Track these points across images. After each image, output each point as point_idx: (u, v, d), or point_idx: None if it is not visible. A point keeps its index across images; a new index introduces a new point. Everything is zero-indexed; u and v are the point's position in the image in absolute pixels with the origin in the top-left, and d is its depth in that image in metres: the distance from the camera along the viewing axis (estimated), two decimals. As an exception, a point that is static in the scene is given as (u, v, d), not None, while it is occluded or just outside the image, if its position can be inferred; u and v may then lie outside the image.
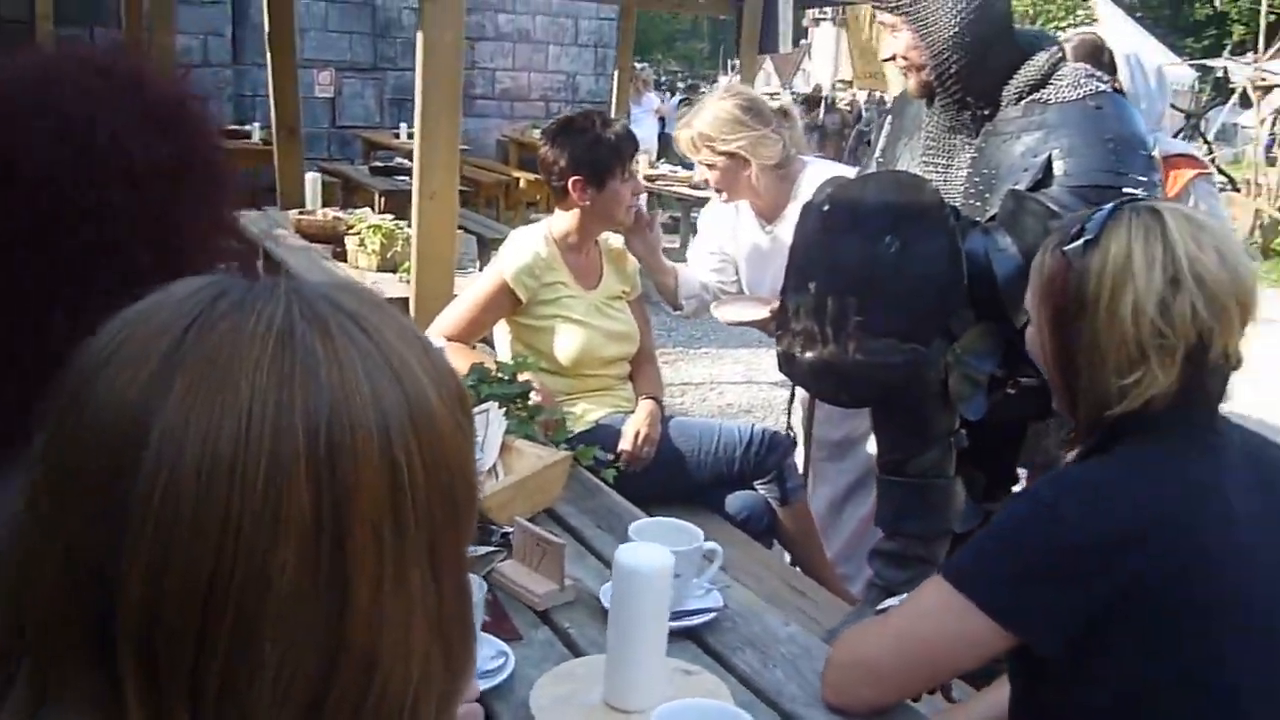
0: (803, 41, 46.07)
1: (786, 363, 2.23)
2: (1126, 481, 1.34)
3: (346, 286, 0.62)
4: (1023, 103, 2.18)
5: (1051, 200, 2.04)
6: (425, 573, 0.57)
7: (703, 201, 9.02)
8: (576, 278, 2.96)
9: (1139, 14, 24.84)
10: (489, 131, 14.09)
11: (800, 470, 3.14)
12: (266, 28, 5.54)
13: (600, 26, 14.47)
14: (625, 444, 2.85)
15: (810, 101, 25.62)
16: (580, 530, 1.92)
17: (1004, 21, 2.22)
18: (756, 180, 2.97)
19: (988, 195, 2.18)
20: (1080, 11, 23.54)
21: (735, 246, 3.21)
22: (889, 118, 2.61)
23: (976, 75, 2.20)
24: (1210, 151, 16.87)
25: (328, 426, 0.54)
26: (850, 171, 2.85)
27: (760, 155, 2.92)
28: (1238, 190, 14.52)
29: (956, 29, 2.14)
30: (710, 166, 2.99)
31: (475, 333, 2.94)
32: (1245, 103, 17.36)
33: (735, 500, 2.97)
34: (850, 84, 25.57)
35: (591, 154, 2.85)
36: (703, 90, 19.82)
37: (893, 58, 2.29)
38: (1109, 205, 1.39)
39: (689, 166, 13.12)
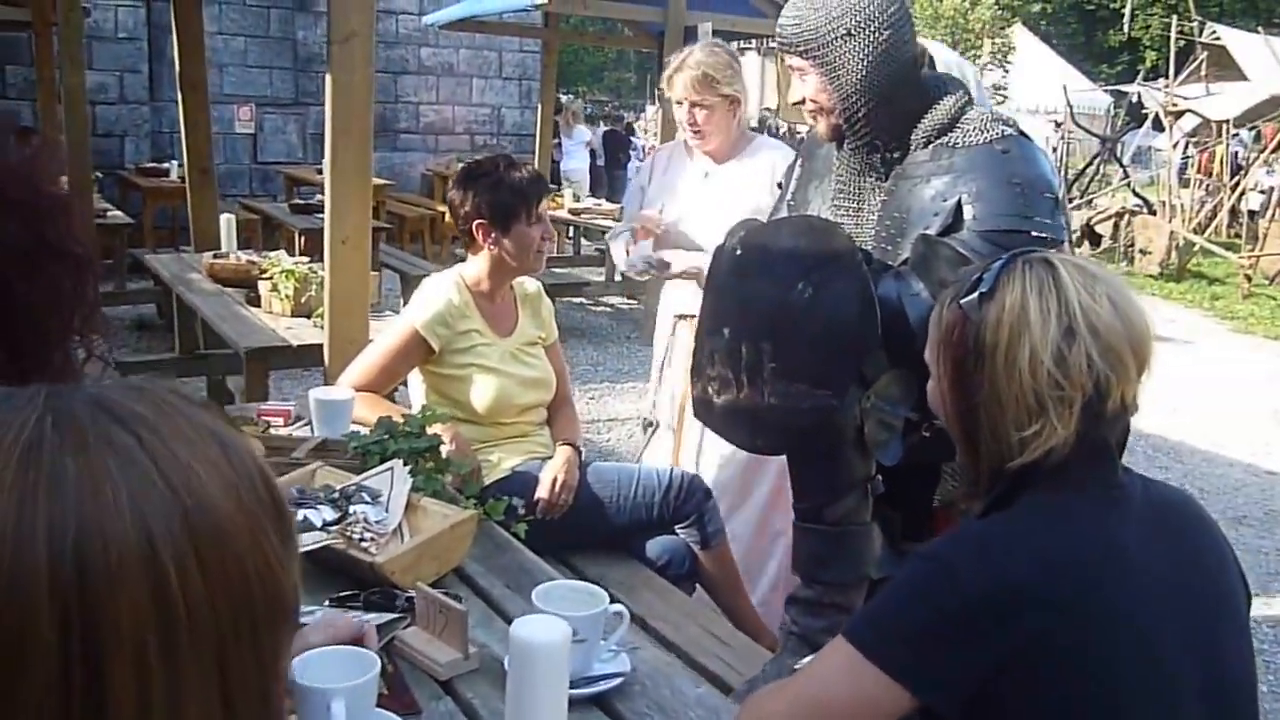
0: (729, 71, 46.55)
1: (702, 408, 2.20)
2: (1025, 535, 1.32)
3: (129, 387, 0.58)
4: (931, 146, 2.18)
5: (962, 245, 2.03)
6: (211, 697, 0.53)
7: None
8: (491, 325, 2.91)
9: (1054, 41, 25.40)
10: (413, 166, 14.01)
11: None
12: (178, 67, 5.43)
13: (524, 59, 14.47)
14: (543, 491, 2.80)
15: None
16: (488, 591, 1.86)
17: (912, 65, 2.22)
18: (733, 127, 3.29)
19: (899, 239, 2.17)
20: (998, 39, 24.03)
21: (665, 182, 3.48)
22: (799, 160, 2.60)
23: (885, 118, 2.19)
24: (1125, 175, 17.30)
25: (75, 544, 0.49)
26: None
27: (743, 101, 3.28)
28: (1153, 213, 14.86)
29: (864, 73, 2.13)
30: (703, 106, 3.22)
31: (387, 382, 2.87)
32: (1158, 127, 17.81)
33: (655, 545, 2.92)
34: (776, 112, 25.88)
35: (494, 197, 2.81)
36: (628, 119, 19.85)
37: (801, 101, 2.28)
38: (1003, 257, 1.38)
39: (614, 202, 13.17)
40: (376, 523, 1.84)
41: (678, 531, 2.94)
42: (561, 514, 2.81)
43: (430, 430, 2.51)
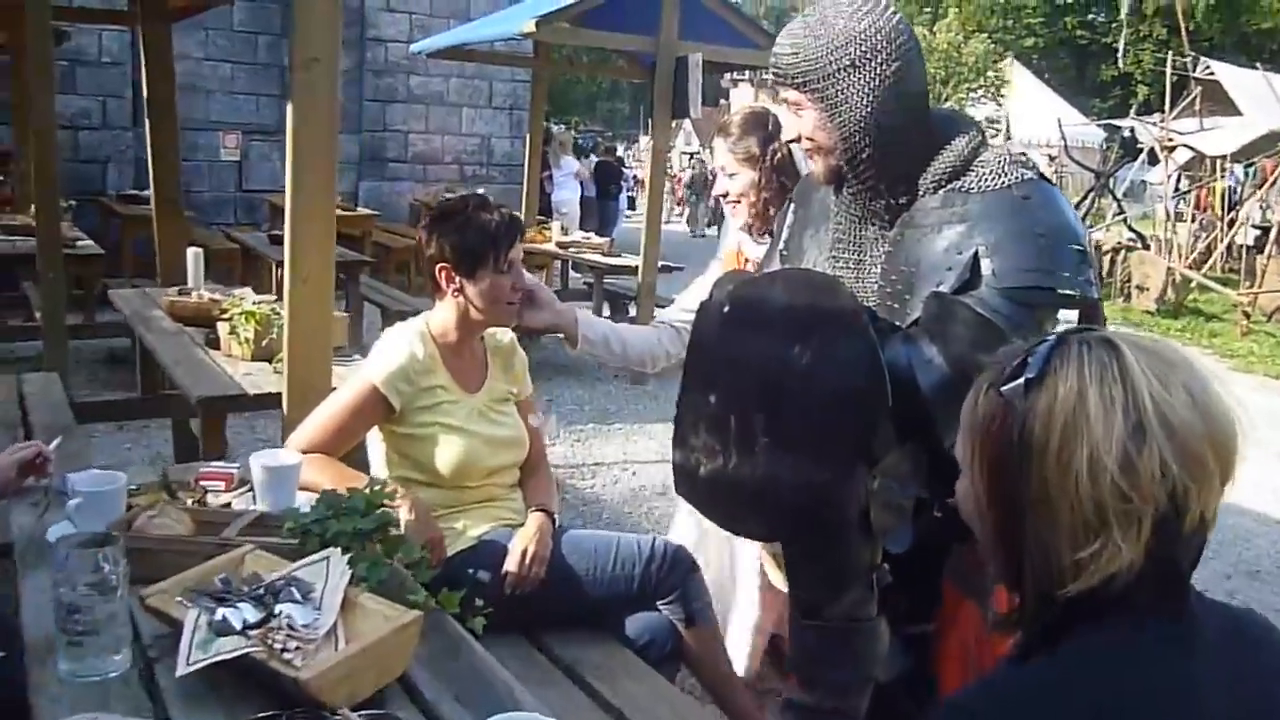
0: (722, 102, 46.55)
1: (684, 480, 1.93)
2: (1075, 684, 1.06)
3: None
4: (942, 191, 1.93)
5: (980, 304, 1.79)
6: None
7: (616, 270, 8.83)
8: (457, 380, 2.67)
9: (1047, 75, 25.35)
10: (401, 195, 13.79)
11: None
12: (146, 92, 5.18)
13: (515, 89, 14.29)
14: (511, 564, 2.55)
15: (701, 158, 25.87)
16: (435, 705, 1.60)
17: (920, 101, 1.97)
18: None
19: (907, 296, 1.92)
20: (990, 73, 23.95)
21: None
22: (792, 205, 2.33)
23: (891, 160, 1.94)
24: (1120, 210, 17.14)
25: None
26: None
27: None
28: (1148, 248, 14.68)
29: (869, 109, 1.88)
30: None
31: (343, 443, 2.61)
32: (1153, 160, 17.68)
33: (636, 623, 2.66)
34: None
35: (461, 239, 2.58)
36: (620, 151, 19.66)
37: (796, 139, 2.03)
38: (1053, 335, 1.13)
39: (603, 234, 12.93)
40: (304, 626, 1.58)
41: (660, 607, 2.68)
42: (532, 588, 2.56)
43: (390, 503, 2.25)
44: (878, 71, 1.87)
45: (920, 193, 1.95)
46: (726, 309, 1.88)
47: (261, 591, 1.67)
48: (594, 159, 18.08)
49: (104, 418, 5.31)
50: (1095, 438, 1.04)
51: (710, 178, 22.18)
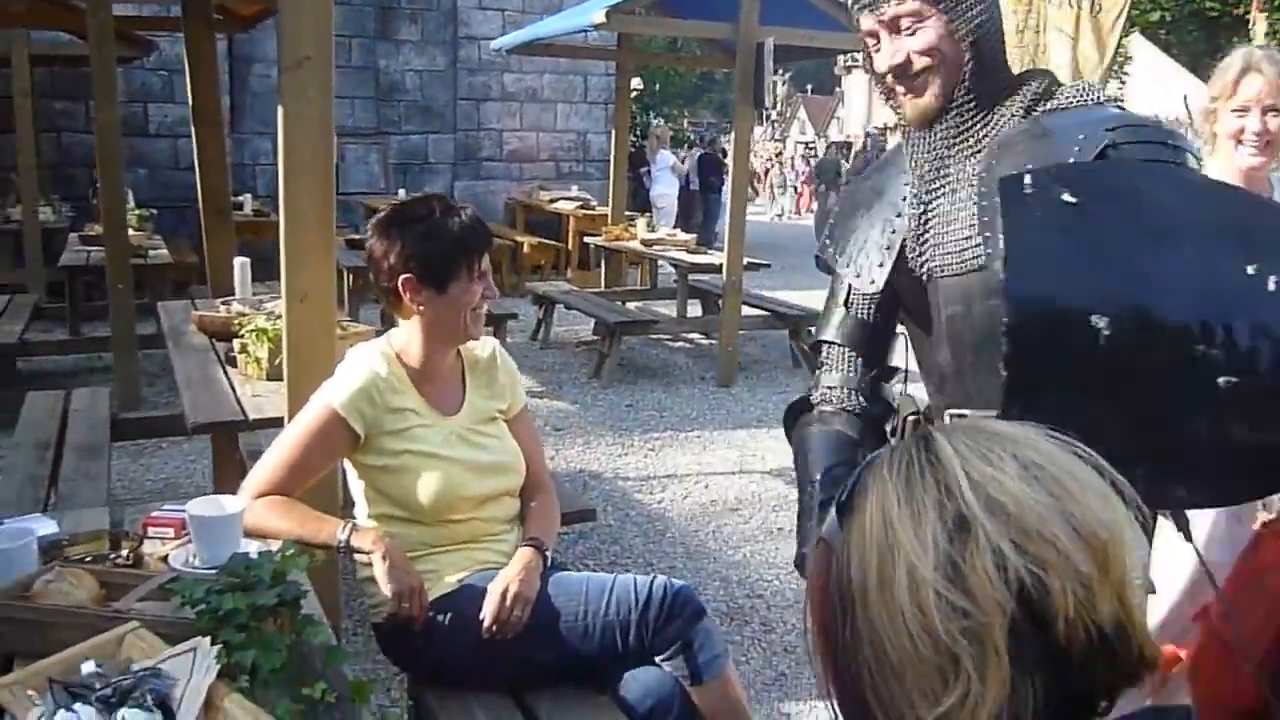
0: (837, 90, 45.81)
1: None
2: None
3: None
4: (1030, 116, 1.76)
5: None
6: None
7: (700, 268, 8.49)
8: (430, 403, 2.39)
9: (1174, 50, 24.11)
10: (496, 195, 13.65)
11: None
12: (190, 101, 5.05)
13: (609, 83, 14.01)
14: (490, 605, 2.25)
15: (845, 147, 25.19)
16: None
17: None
18: None
19: None
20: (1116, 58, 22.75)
21: None
22: (834, 208, 2.17)
23: (990, 80, 1.77)
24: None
25: None
26: None
27: None
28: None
29: (986, 16, 1.73)
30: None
31: (304, 479, 2.34)
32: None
33: (637, 684, 2.31)
34: (885, 130, 25.03)
35: (428, 247, 2.30)
36: (724, 144, 19.25)
37: (904, 63, 1.74)
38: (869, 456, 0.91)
39: (707, 229, 12.56)
40: (142, 744, 1.31)
41: (659, 663, 2.35)
42: (515, 633, 2.27)
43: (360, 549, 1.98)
44: None
45: (1009, 118, 1.78)
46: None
47: (110, 691, 1.40)
48: (696, 152, 17.76)
49: (146, 434, 5.20)
50: (910, 551, 0.79)
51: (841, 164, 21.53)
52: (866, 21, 1.74)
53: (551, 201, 12.37)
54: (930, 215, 1.83)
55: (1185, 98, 16.32)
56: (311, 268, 2.97)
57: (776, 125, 46.77)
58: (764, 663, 3.71)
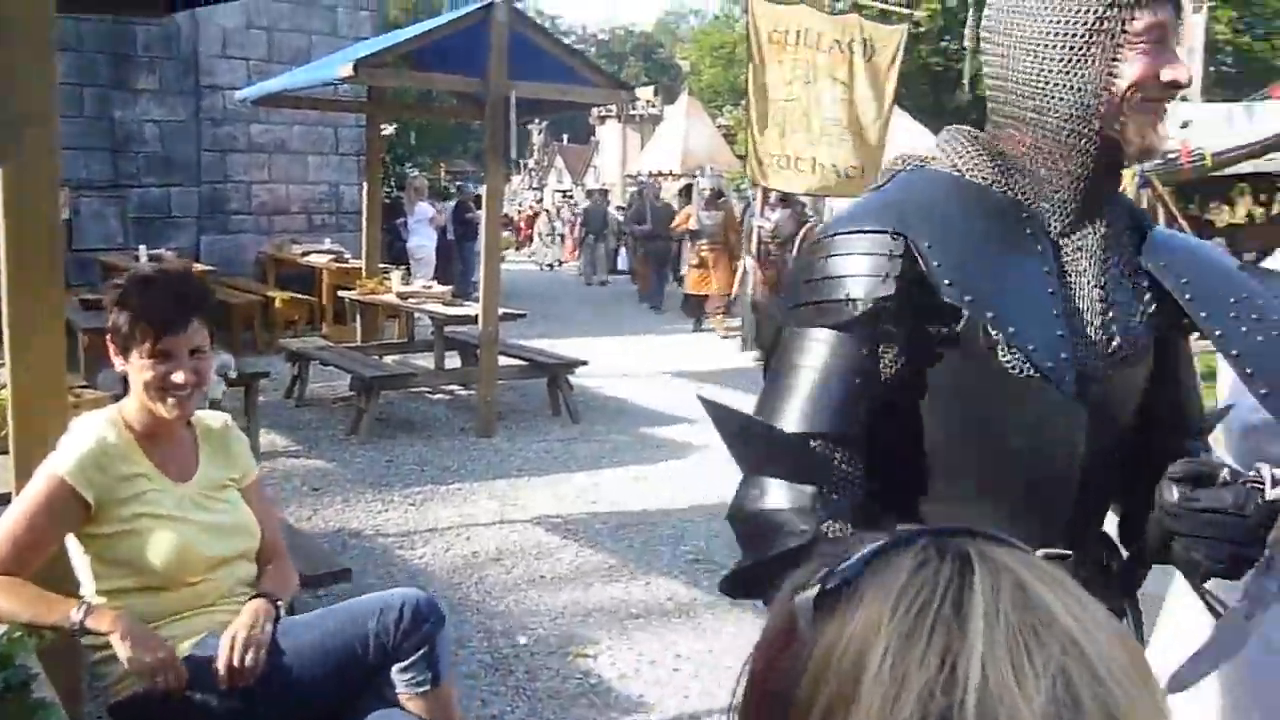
0: (592, 139, 46.66)
1: None
2: None
3: None
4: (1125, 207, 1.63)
5: None
6: None
7: (457, 319, 8.48)
8: (163, 469, 2.35)
9: (907, 103, 25.83)
10: (246, 249, 13.23)
11: None
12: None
13: (362, 135, 13.86)
14: (220, 657, 2.23)
15: (595, 195, 25.56)
16: None
17: None
18: None
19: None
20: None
21: None
22: (907, 235, 1.46)
23: None
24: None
25: None
26: None
27: None
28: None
29: None
30: None
31: (32, 557, 2.24)
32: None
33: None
34: (657, 176, 25.54)
35: (117, 316, 2.32)
36: (477, 191, 19.34)
37: (1173, 85, 1.42)
38: (894, 535, 0.65)
39: (466, 279, 12.52)
40: None
41: (396, 680, 2.37)
42: (253, 680, 2.24)
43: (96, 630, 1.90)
44: None
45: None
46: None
47: None
48: (452, 202, 17.69)
49: None
50: (868, 707, 0.56)
51: (612, 215, 21.60)
52: (1161, 12, 1.39)
53: (304, 255, 12.09)
54: (1105, 294, 1.49)
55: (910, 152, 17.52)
56: (39, 333, 2.85)
57: (534, 174, 47.21)
58: (529, 710, 3.74)
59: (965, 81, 18.57)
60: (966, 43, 19.25)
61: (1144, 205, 16.06)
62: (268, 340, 10.44)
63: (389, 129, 16.88)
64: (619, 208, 23.30)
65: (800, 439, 1.45)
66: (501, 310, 7.86)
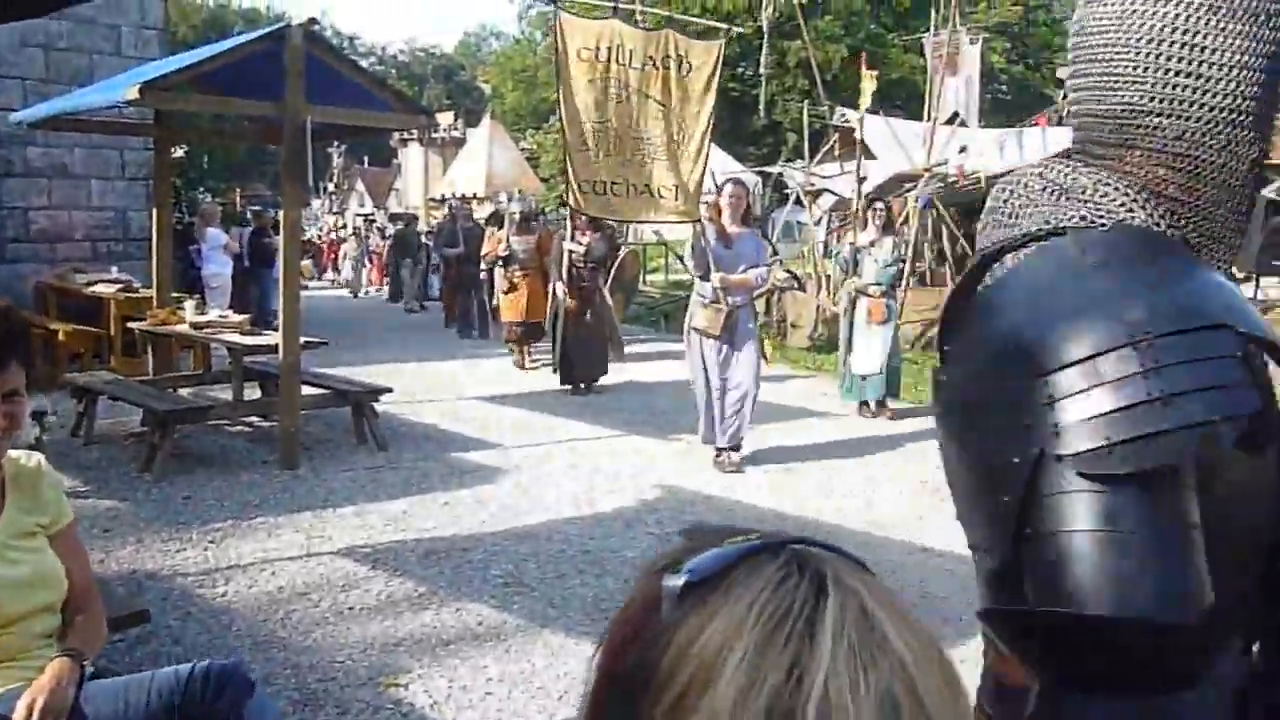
0: (394, 161, 46.04)
1: None
2: None
3: None
4: None
5: None
6: None
7: (256, 349, 8.25)
8: None
9: (704, 127, 26.53)
10: (24, 280, 12.49)
11: None
12: None
13: (150, 157, 13.33)
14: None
15: (406, 219, 25.23)
16: None
17: None
18: None
19: None
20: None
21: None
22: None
23: None
24: (775, 251, 18.02)
25: None
26: None
27: None
28: (803, 290, 15.47)
29: None
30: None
31: None
32: (801, 203, 18.75)
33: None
34: (443, 200, 25.37)
35: None
36: (276, 217, 18.87)
37: None
38: (763, 538, 0.72)
39: (264, 307, 12.16)
40: None
41: None
42: None
43: None
44: None
45: None
46: None
47: None
48: (248, 229, 17.17)
49: None
50: (721, 712, 0.63)
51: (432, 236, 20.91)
52: None
53: (89, 285, 11.52)
54: None
55: (711, 173, 17.85)
56: None
57: (335, 198, 46.24)
58: (339, 745, 3.69)
59: (761, 107, 19.28)
60: (763, 69, 20.04)
61: (928, 225, 16.99)
62: (51, 376, 9.90)
63: (180, 152, 16.29)
64: (427, 232, 23.04)
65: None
66: (302, 339, 7.69)
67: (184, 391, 8.65)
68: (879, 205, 10.64)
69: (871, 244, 10.08)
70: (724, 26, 11.21)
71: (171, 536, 5.91)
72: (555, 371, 11.55)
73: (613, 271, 13.88)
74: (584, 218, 10.89)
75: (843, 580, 0.69)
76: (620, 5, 11.10)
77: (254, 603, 4.99)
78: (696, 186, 9.75)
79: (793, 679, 0.63)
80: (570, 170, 9.57)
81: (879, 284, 9.96)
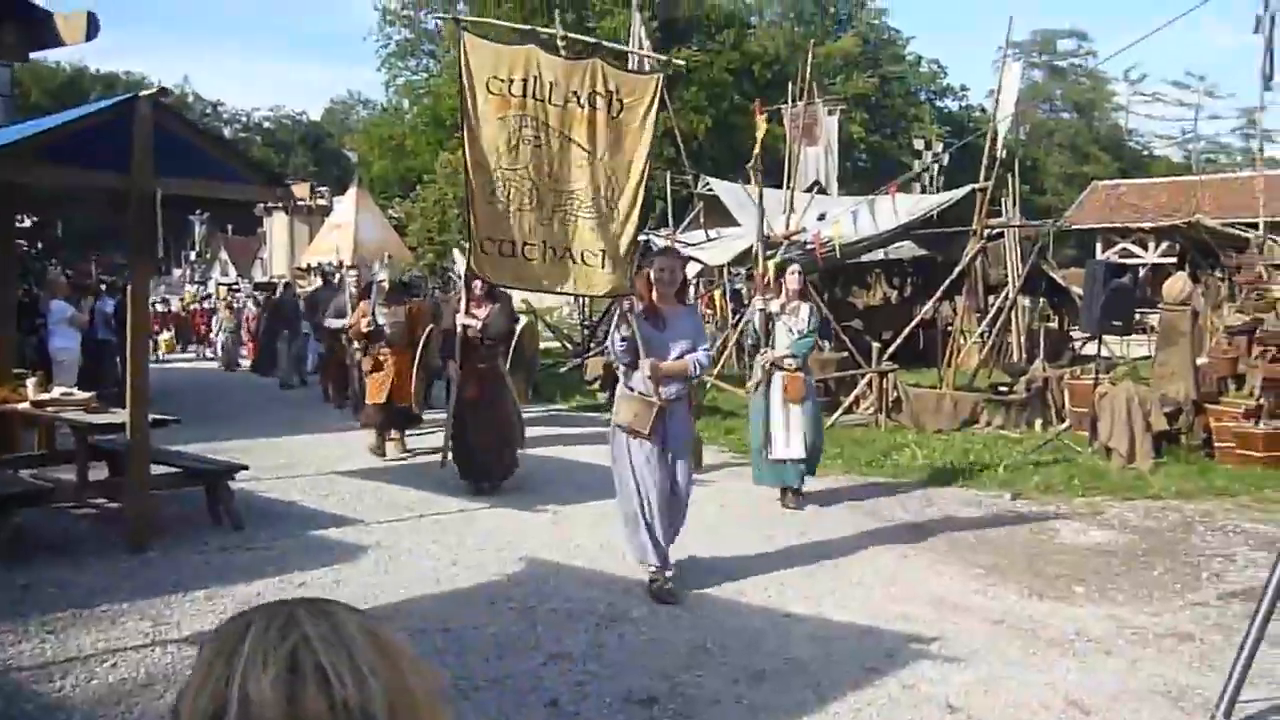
0: (260, 230, 45.22)
1: None
2: None
3: None
4: None
5: None
6: None
7: (97, 429, 7.92)
8: None
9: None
10: None
11: None
12: None
13: (-6, 228, 12.84)
14: None
15: (281, 284, 24.65)
16: None
17: None
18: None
19: None
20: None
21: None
22: None
23: None
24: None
25: None
26: None
27: None
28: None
29: None
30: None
31: None
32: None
33: None
34: (308, 270, 25.00)
35: None
36: (119, 285, 18.32)
37: None
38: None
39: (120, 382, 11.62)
40: None
41: None
42: None
43: None
44: None
45: None
46: None
47: None
48: (110, 301, 16.58)
49: None
50: (195, 690, 0.91)
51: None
52: None
53: (-75, 361, 10.97)
54: None
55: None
56: None
57: (197, 267, 45.18)
58: None
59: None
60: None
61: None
62: None
63: (28, 222, 15.72)
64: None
65: None
66: (152, 416, 7.44)
67: (25, 473, 8.25)
68: (795, 266, 9.54)
69: (783, 309, 8.93)
70: (663, 58, 10.20)
71: (6, 629, 5.59)
72: (443, 465, 9.51)
73: (512, 347, 11.73)
74: (479, 286, 9.15)
75: (282, 612, 0.94)
76: (540, 29, 9.84)
77: (92, 697, 4.76)
78: (629, 250, 8.44)
79: (227, 684, 0.87)
80: (472, 224, 8.24)
81: (794, 356, 8.83)
